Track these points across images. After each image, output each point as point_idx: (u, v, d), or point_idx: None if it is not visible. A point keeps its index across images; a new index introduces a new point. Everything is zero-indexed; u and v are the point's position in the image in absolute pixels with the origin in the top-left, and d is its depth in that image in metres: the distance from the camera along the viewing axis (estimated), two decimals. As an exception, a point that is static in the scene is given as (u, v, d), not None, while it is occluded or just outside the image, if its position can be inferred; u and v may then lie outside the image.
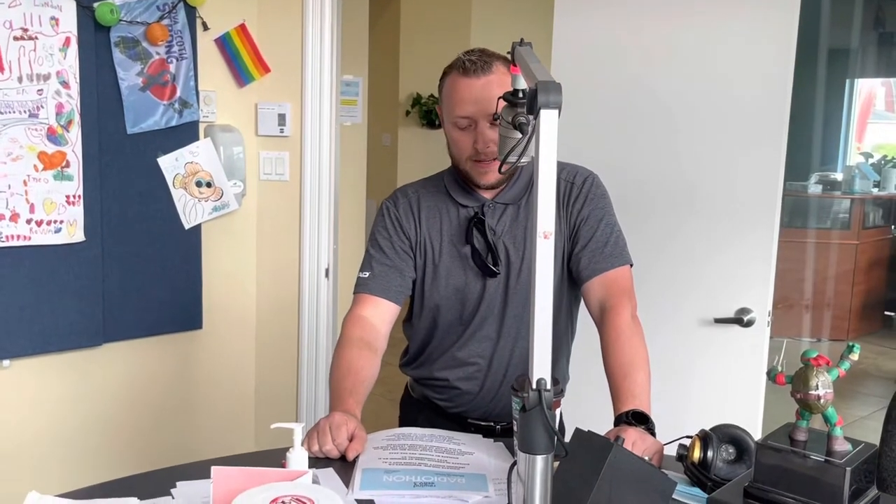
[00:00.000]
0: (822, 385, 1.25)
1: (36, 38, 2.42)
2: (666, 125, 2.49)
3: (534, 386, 1.13)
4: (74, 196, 2.55)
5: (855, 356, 1.26)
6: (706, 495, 1.40)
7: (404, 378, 2.09)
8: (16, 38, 2.39)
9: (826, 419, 1.28)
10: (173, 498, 1.42)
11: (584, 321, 1.95)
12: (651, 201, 2.50)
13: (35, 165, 2.46)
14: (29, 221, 2.46)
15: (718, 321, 2.45)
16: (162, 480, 1.47)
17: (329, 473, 1.53)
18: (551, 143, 1.14)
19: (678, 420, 1.64)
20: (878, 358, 6.22)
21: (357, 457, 1.58)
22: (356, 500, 1.43)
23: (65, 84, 2.49)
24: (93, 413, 2.74)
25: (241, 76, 2.93)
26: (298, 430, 1.43)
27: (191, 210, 2.83)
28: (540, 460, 1.15)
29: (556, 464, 1.24)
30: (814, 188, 6.98)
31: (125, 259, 2.71)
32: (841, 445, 1.27)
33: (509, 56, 1.59)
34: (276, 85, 2.98)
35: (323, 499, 1.17)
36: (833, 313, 6.54)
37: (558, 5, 2.58)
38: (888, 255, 7.01)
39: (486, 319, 1.87)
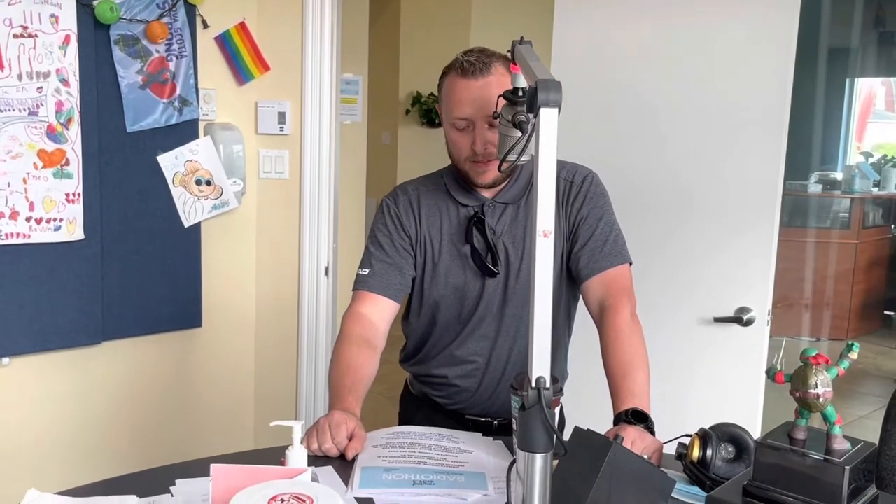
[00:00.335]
0: (821, 384, 1.25)
1: (36, 35, 2.42)
2: (666, 124, 2.49)
3: (533, 384, 1.13)
4: (74, 194, 2.54)
5: (854, 355, 1.25)
6: (705, 494, 1.40)
7: (403, 376, 2.09)
8: (15, 36, 2.39)
9: (825, 418, 1.28)
10: (172, 496, 1.42)
11: (583, 320, 1.95)
12: (651, 200, 2.50)
13: (35, 163, 2.46)
14: (28, 219, 2.46)
15: (718, 320, 2.45)
16: (161, 478, 1.47)
17: (328, 472, 1.53)
18: (551, 141, 1.14)
19: (677, 419, 1.64)
20: (878, 357, 6.22)
21: (356, 455, 1.59)
22: (355, 499, 1.43)
23: (64, 82, 2.49)
24: (92, 411, 2.74)
25: (241, 74, 2.93)
26: (298, 428, 1.43)
27: (190, 208, 2.83)
28: (539, 459, 1.15)
29: (556, 462, 1.24)
30: (814, 187, 6.98)
31: (125, 257, 2.71)
32: (840, 444, 1.27)
33: (509, 55, 1.59)
34: (276, 83, 2.98)
35: (322, 497, 1.17)
36: (832, 313, 6.54)
37: (558, 4, 2.58)
38: (888, 254, 7.02)
39: (485, 318, 1.87)
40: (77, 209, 2.55)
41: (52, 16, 2.45)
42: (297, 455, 1.43)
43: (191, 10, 2.75)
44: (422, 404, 2.01)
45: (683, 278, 2.50)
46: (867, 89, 8.97)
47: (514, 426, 1.46)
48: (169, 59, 2.71)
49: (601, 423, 1.52)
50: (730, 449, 1.49)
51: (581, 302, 1.90)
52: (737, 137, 2.42)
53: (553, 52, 2.57)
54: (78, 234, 2.57)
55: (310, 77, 2.98)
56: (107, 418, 2.78)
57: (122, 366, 2.79)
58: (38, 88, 2.45)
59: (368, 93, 4.71)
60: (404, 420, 2.07)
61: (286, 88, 2.99)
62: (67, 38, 2.48)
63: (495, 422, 1.91)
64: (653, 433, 1.55)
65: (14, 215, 2.44)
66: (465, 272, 1.86)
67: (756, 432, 2.33)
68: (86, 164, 2.56)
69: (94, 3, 2.51)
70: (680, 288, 2.50)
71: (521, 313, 1.85)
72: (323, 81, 2.99)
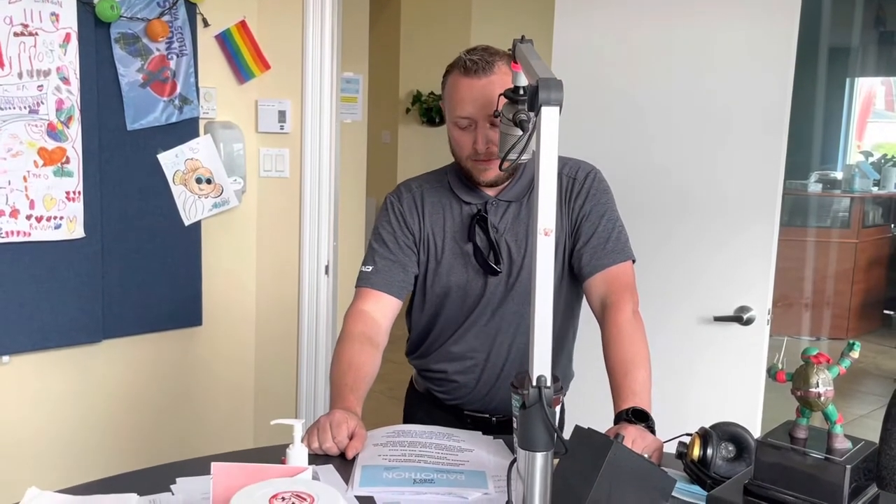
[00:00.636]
0: (822, 383, 1.25)
1: (36, 34, 2.42)
2: (666, 123, 2.49)
3: (534, 383, 1.13)
4: (74, 192, 2.54)
5: (855, 354, 1.25)
6: (706, 493, 1.40)
7: (405, 375, 2.10)
8: (16, 34, 2.39)
9: (826, 417, 1.28)
10: (173, 494, 1.42)
11: (585, 317, 1.96)
12: (651, 199, 2.50)
13: (35, 161, 2.46)
14: (29, 217, 2.46)
15: (718, 319, 2.45)
16: (162, 477, 1.47)
17: (329, 470, 1.53)
18: (552, 140, 1.14)
19: (678, 418, 1.64)
20: (878, 356, 6.22)
21: (357, 454, 1.59)
22: (356, 497, 1.43)
23: (65, 80, 2.49)
24: (92, 409, 2.74)
25: (242, 73, 2.93)
26: (298, 427, 1.43)
27: (191, 207, 2.83)
28: (540, 457, 1.15)
29: (556, 461, 1.24)
30: (814, 187, 6.98)
31: (125, 255, 2.71)
32: (841, 443, 1.27)
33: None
34: (277, 82, 2.98)
35: (323, 495, 1.17)
36: (832, 312, 6.54)
37: (559, 4, 2.57)
38: (888, 253, 7.02)
39: (486, 315, 1.88)
40: (77, 207, 2.55)
41: (53, 14, 2.45)
42: (298, 453, 1.43)
43: (191, 9, 2.75)
44: (423, 400, 2.01)
45: (683, 277, 2.50)
46: (867, 89, 8.97)
47: (515, 425, 1.46)
48: (169, 57, 2.71)
49: (602, 421, 1.52)
50: (730, 448, 1.49)
51: (585, 304, 1.90)
52: (737, 137, 2.42)
53: (553, 51, 2.57)
54: (78, 232, 2.57)
55: (310, 76, 2.98)
56: (107, 416, 2.78)
57: (123, 364, 2.79)
58: (39, 87, 2.44)
59: (369, 92, 4.71)
60: (408, 414, 2.08)
61: (286, 87, 2.99)
62: (68, 36, 2.48)
63: (494, 418, 1.91)
64: (653, 432, 1.55)
65: (14, 213, 2.44)
66: (467, 270, 1.86)
67: (756, 431, 2.33)
68: (86, 163, 2.56)
69: (95, 1, 2.51)
70: (680, 287, 2.50)
71: (521, 311, 1.85)
72: (323, 80, 2.99)
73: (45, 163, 2.48)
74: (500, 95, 1.63)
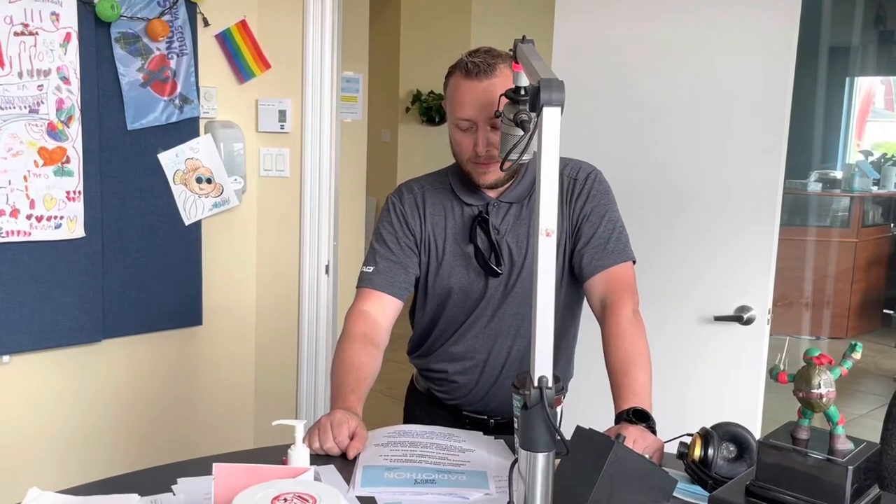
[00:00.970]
0: (824, 384, 1.25)
1: (36, 33, 2.42)
2: (666, 122, 2.49)
3: (535, 383, 1.13)
4: (74, 192, 2.54)
5: (857, 355, 1.25)
6: (707, 493, 1.40)
7: (405, 374, 2.10)
8: (16, 34, 2.39)
9: (828, 418, 1.28)
10: (174, 494, 1.41)
11: (585, 317, 1.96)
12: (651, 199, 2.50)
13: (35, 161, 2.46)
14: (29, 217, 2.46)
15: (718, 319, 2.45)
16: (163, 477, 1.47)
17: (330, 470, 1.53)
18: (554, 140, 1.14)
19: (678, 418, 1.64)
20: (877, 356, 6.22)
21: (358, 454, 1.58)
22: (357, 498, 1.43)
23: (65, 80, 2.49)
24: (93, 409, 2.74)
25: (242, 72, 2.93)
26: (300, 427, 1.43)
27: (191, 206, 2.83)
28: (541, 458, 1.15)
29: (558, 461, 1.24)
30: (813, 186, 6.98)
31: (125, 255, 2.71)
32: (843, 444, 1.27)
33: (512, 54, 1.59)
34: (277, 81, 2.98)
35: (325, 496, 1.17)
36: (832, 311, 6.54)
37: (559, 4, 2.57)
38: (887, 253, 7.01)
39: (486, 316, 1.88)
40: (77, 207, 2.55)
41: (53, 13, 2.44)
42: (300, 454, 1.42)
43: (191, 8, 2.75)
44: (424, 399, 2.02)
45: (684, 277, 2.50)
46: (866, 88, 8.97)
47: (516, 425, 1.46)
48: (170, 56, 2.71)
49: (602, 421, 1.52)
50: (731, 448, 1.49)
51: (586, 305, 1.90)
52: (737, 136, 2.42)
53: (553, 52, 2.57)
54: (78, 232, 2.57)
55: (310, 75, 2.98)
56: (107, 416, 2.78)
57: (123, 364, 2.79)
58: (39, 86, 2.44)
59: (369, 91, 4.70)
60: (408, 413, 2.09)
61: (287, 86, 2.99)
62: (68, 35, 2.48)
63: (492, 420, 1.91)
64: (654, 432, 1.55)
65: (14, 213, 2.44)
66: (468, 271, 1.86)
67: (756, 431, 2.33)
68: (86, 162, 2.56)
69: (95, 0, 2.51)
70: (680, 286, 2.50)
71: (521, 312, 1.85)
72: (323, 79, 2.99)
73: (46, 162, 2.48)
74: (501, 95, 1.63)
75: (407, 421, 2.06)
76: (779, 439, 1.31)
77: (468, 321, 1.89)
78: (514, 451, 1.59)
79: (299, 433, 1.43)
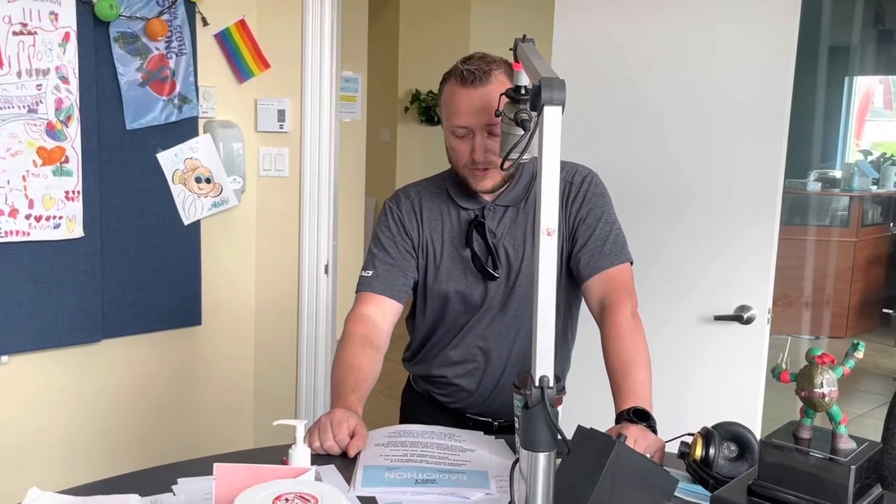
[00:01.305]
0: (826, 383, 1.25)
1: (35, 33, 2.42)
2: (666, 122, 2.48)
3: (536, 383, 1.13)
4: (73, 192, 2.54)
5: (860, 354, 1.25)
6: (708, 493, 1.40)
7: (405, 375, 2.10)
8: (15, 33, 2.38)
9: (830, 417, 1.28)
10: (175, 495, 1.41)
11: (583, 319, 1.95)
12: (651, 198, 2.50)
13: (34, 161, 2.45)
14: (28, 217, 2.46)
15: (718, 318, 2.45)
16: (163, 477, 1.47)
17: (330, 470, 1.53)
18: (555, 139, 1.14)
19: (679, 417, 1.64)
20: (877, 355, 6.22)
21: (358, 454, 1.58)
22: (358, 497, 1.43)
23: (64, 79, 2.48)
24: (92, 409, 2.74)
25: (241, 72, 2.92)
26: (301, 427, 1.42)
27: (190, 206, 2.83)
28: (542, 457, 1.14)
29: (559, 461, 1.23)
30: (813, 185, 6.98)
31: (124, 255, 2.70)
32: (845, 443, 1.27)
33: (510, 53, 1.58)
34: (276, 81, 2.98)
35: (327, 496, 1.16)
36: (832, 311, 6.54)
37: (559, 3, 2.57)
38: (887, 252, 7.01)
39: (486, 319, 1.88)
40: (76, 207, 2.55)
41: (52, 13, 2.44)
42: (301, 454, 1.42)
43: (190, 8, 2.75)
44: (423, 401, 2.01)
45: (684, 276, 2.50)
46: (865, 87, 8.98)
47: (517, 425, 1.45)
48: (168, 56, 2.71)
49: (603, 421, 1.52)
50: (732, 448, 1.49)
51: (584, 305, 1.90)
52: (737, 135, 2.41)
53: (553, 51, 2.56)
54: (77, 231, 2.56)
55: (309, 74, 2.97)
56: (106, 416, 2.77)
57: (122, 364, 2.78)
58: (38, 86, 2.44)
59: (368, 90, 4.71)
60: (405, 414, 2.08)
61: (286, 86, 2.98)
62: (67, 35, 2.48)
63: (495, 423, 1.91)
64: (655, 432, 1.55)
65: (13, 213, 2.43)
66: (466, 275, 1.86)
67: (756, 430, 2.33)
68: (85, 162, 2.55)
69: (94, 0, 2.50)
70: (680, 286, 2.50)
71: (521, 314, 1.85)
72: (322, 79, 2.98)
73: (45, 162, 2.47)
74: (501, 95, 1.63)
75: (404, 421, 2.05)
76: (781, 439, 1.31)
77: (468, 325, 1.89)
78: (514, 450, 1.59)
79: (300, 433, 1.42)
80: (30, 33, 2.41)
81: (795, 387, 1.28)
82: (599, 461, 1.27)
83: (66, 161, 2.52)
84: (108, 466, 2.11)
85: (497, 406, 1.91)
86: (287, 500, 1.15)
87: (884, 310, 6.92)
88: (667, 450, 1.54)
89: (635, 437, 1.48)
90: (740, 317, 2.43)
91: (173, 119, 2.75)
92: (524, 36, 1.52)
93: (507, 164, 1.60)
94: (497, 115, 1.66)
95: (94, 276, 2.62)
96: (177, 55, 2.72)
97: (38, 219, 2.48)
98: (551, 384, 1.13)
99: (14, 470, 2.56)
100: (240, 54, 2.90)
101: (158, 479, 1.46)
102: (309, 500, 1.15)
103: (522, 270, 1.84)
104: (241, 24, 2.89)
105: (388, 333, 1.86)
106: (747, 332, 2.44)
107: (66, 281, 2.56)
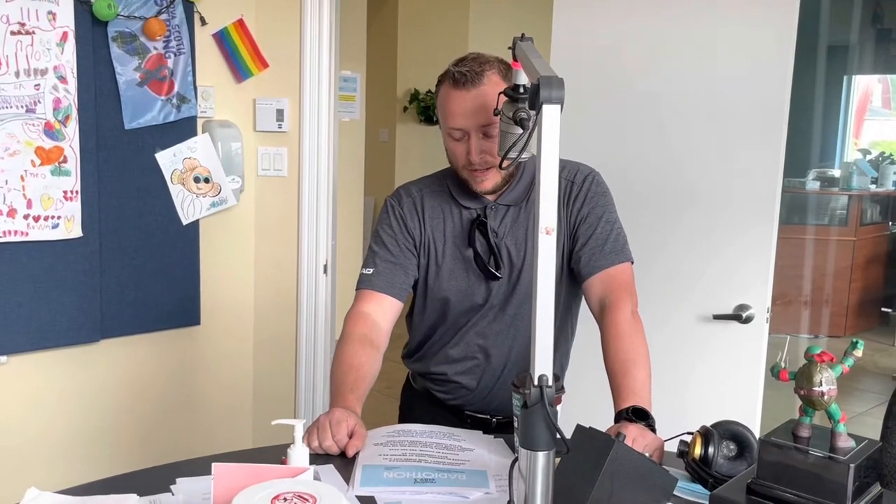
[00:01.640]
0: (825, 381, 1.24)
1: (33, 32, 2.41)
2: (665, 121, 2.48)
3: (535, 382, 1.13)
4: (72, 191, 2.54)
5: (859, 353, 1.25)
6: (707, 492, 1.40)
7: (404, 374, 2.10)
8: (13, 33, 2.38)
9: (829, 415, 1.28)
10: (173, 494, 1.41)
11: (583, 318, 1.95)
12: (650, 198, 2.50)
13: (32, 161, 2.45)
14: (26, 217, 2.45)
15: (717, 317, 2.45)
16: (162, 477, 1.46)
17: (329, 470, 1.53)
18: (553, 138, 1.13)
19: (678, 416, 1.64)
20: (876, 354, 6.23)
21: (357, 453, 1.58)
22: (357, 497, 1.43)
23: (62, 79, 2.48)
24: (91, 409, 2.74)
25: (240, 71, 2.92)
26: (299, 427, 1.42)
27: (189, 206, 2.82)
28: (541, 457, 1.14)
29: (558, 460, 1.23)
30: (812, 184, 6.99)
31: (123, 255, 2.70)
32: (844, 442, 1.27)
33: (509, 52, 1.58)
34: (275, 80, 2.97)
35: (325, 496, 1.16)
36: (831, 310, 6.54)
37: (557, 3, 2.57)
38: (886, 251, 7.02)
39: (487, 317, 1.88)
40: (75, 207, 2.55)
41: (50, 12, 2.44)
42: (299, 454, 1.42)
43: (189, 7, 2.74)
44: (422, 398, 2.01)
45: (683, 276, 2.50)
46: (864, 86, 8.97)
47: (516, 424, 1.45)
48: (167, 56, 2.70)
49: (602, 421, 1.52)
50: (731, 447, 1.49)
51: (584, 304, 1.90)
52: (736, 134, 2.41)
53: (552, 50, 2.56)
54: (76, 231, 2.56)
55: (308, 74, 2.97)
56: (105, 417, 2.77)
57: (121, 364, 2.78)
58: (36, 86, 2.44)
59: (366, 90, 4.70)
60: (404, 411, 2.08)
61: (284, 85, 2.98)
62: (65, 34, 2.47)
63: (494, 420, 1.91)
64: (654, 431, 1.55)
65: (12, 213, 2.43)
66: (468, 275, 1.86)
67: (755, 429, 2.33)
68: (83, 162, 2.55)
69: (92, 0, 2.51)
70: (679, 285, 2.50)
71: (521, 312, 1.85)
72: (321, 78, 2.98)
73: (43, 162, 2.47)
74: (500, 94, 1.62)
75: (403, 419, 2.06)
76: (780, 437, 1.31)
77: (468, 323, 1.88)
78: (514, 449, 1.59)
79: (298, 433, 1.42)
80: (28, 33, 2.40)
81: (794, 385, 1.28)
82: (598, 460, 1.27)
83: (65, 161, 2.51)
84: (107, 466, 2.11)
85: (496, 404, 1.91)
86: (285, 499, 1.14)
87: (883, 309, 6.92)
88: (666, 449, 1.54)
89: (634, 436, 1.48)
90: (739, 316, 2.43)
91: (172, 119, 2.74)
92: (523, 35, 1.52)
93: (505, 163, 1.60)
94: (496, 114, 1.66)
95: (93, 276, 2.62)
96: (175, 55, 2.72)
97: (36, 219, 2.47)
98: (550, 383, 1.13)
99: (13, 470, 2.56)
100: (238, 54, 2.90)
101: (157, 478, 1.46)
102: (307, 500, 1.14)
103: (524, 269, 1.84)
104: (240, 24, 2.88)
105: (388, 332, 1.86)
106: (746, 332, 2.44)
107: (65, 281, 2.56)
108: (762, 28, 2.35)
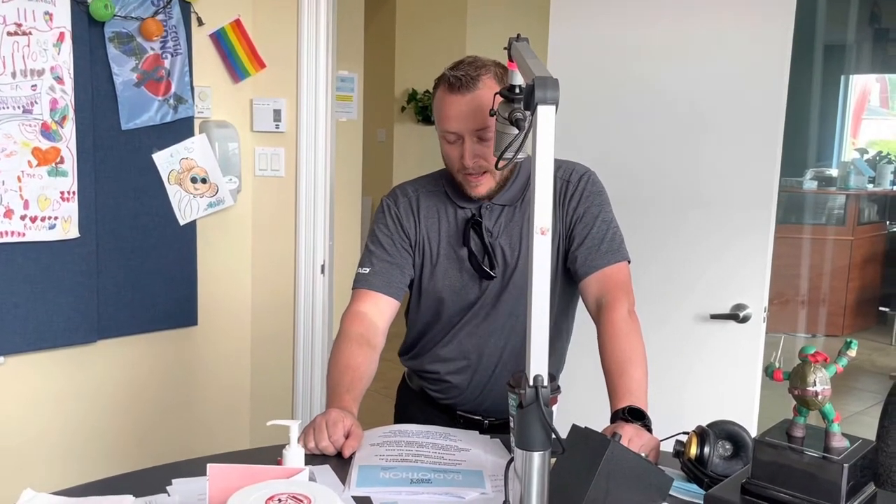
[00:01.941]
0: (819, 381, 1.25)
1: (30, 33, 2.41)
2: (662, 121, 2.49)
3: (531, 382, 1.13)
4: (69, 192, 2.53)
5: (853, 353, 1.25)
6: (703, 491, 1.40)
7: (401, 374, 2.10)
8: (9, 34, 2.38)
9: (824, 415, 1.28)
10: (169, 495, 1.41)
11: (579, 318, 1.95)
12: (647, 198, 2.50)
13: (29, 161, 2.45)
14: (23, 218, 2.45)
15: (714, 317, 2.45)
16: (158, 478, 1.46)
17: (325, 470, 1.53)
18: (548, 138, 1.14)
19: (674, 416, 1.64)
20: (873, 353, 6.23)
21: (353, 454, 1.58)
22: (353, 497, 1.43)
23: (59, 80, 2.48)
24: (88, 410, 2.73)
25: (237, 72, 2.92)
26: (295, 428, 1.42)
27: (186, 206, 2.82)
28: (537, 457, 1.15)
29: (553, 460, 1.23)
30: (809, 184, 6.99)
31: (120, 255, 2.70)
32: (839, 442, 1.27)
33: (505, 54, 1.58)
34: (272, 80, 2.97)
35: (320, 496, 1.16)
36: (828, 309, 6.55)
37: (554, 3, 2.57)
38: (883, 250, 7.03)
39: (480, 317, 1.88)
40: (72, 207, 2.54)
41: (47, 13, 2.44)
42: (294, 454, 1.42)
43: (185, 8, 2.74)
44: (417, 397, 2.02)
45: (680, 275, 2.50)
46: (861, 85, 8.98)
47: (512, 424, 1.45)
48: (164, 56, 2.70)
49: (598, 420, 1.52)
50: (727, 446, 1.49)
51: (580, 304, 1.90)
52: (733, 134, 2.42)
53: (549, 50, 2.57)
54: (73, 232, 2.56)
55: (305, 74, 2.97)
56: (102, 417, 2.77)
57: (118, 364, 2.78)
58: (33, 86, 2.43)
59: (364, 90, 4.70)
60: (399, 410, 2.09)
61: (282, 86, 2.98)
62: (62, 35, 2.47)
63: (486, 421, 1.92)
64: (650, 430, 1.56)
65: (8, 214, 2.43)
66: (462, 274, 1.87)
67: (752, 429, 2.33)
68: (80, 163, 2.55)
69: (89, 0, 2.50)
70: (677, 285, 2.50)
71: (515, 313, 1.86)
72: (318, 79, 2.98)
73: (40, 163, 2.47)
74: (495, 94, 1.63)
75: (399, 417, 2.06)
76: (774, 437, 1.31)
77: (461, 322, 1.89)
78: (510, 450, 1.59)
79: (294, 433, 1.42)
80: (24, 34, 2.40)
81: (788, 385, 1.28)
82: (594, 460, 1.27)
83: (62, 161, 2.51)
84: (104, 467, 2.11)
85: (487, 404, 1.91)
86: (280, 500, 1.14)
87: (880, 308, 6.93)
88: (662, 449, 1.55)
89: (630, 436, 1.48)
90: (736, 315, 2.44)
91: (169, 119, 2.74)
92: (518, 35, 1.52)
93: (501, 164, 1.60)
94: (492, 115, 1.67)
95: (90, 276, 2.62)
96: (172, 55, 2.72)
97: (33, 219, 2.47)
98: (545, 383, 1.13)
99: (10, 470, 2.56)
100: (235, 54, 2.90)
101: (153, 479, 1.46)
102: (302, 501, 1.15)
103: (518, 269, 1.84)
104: (237, 24, 2.88)
105: (385, 331, 1.86)
106: (743, 331, 2.45)
107: (62, 281, 2.56)
108: (759, 28, 2.35)
